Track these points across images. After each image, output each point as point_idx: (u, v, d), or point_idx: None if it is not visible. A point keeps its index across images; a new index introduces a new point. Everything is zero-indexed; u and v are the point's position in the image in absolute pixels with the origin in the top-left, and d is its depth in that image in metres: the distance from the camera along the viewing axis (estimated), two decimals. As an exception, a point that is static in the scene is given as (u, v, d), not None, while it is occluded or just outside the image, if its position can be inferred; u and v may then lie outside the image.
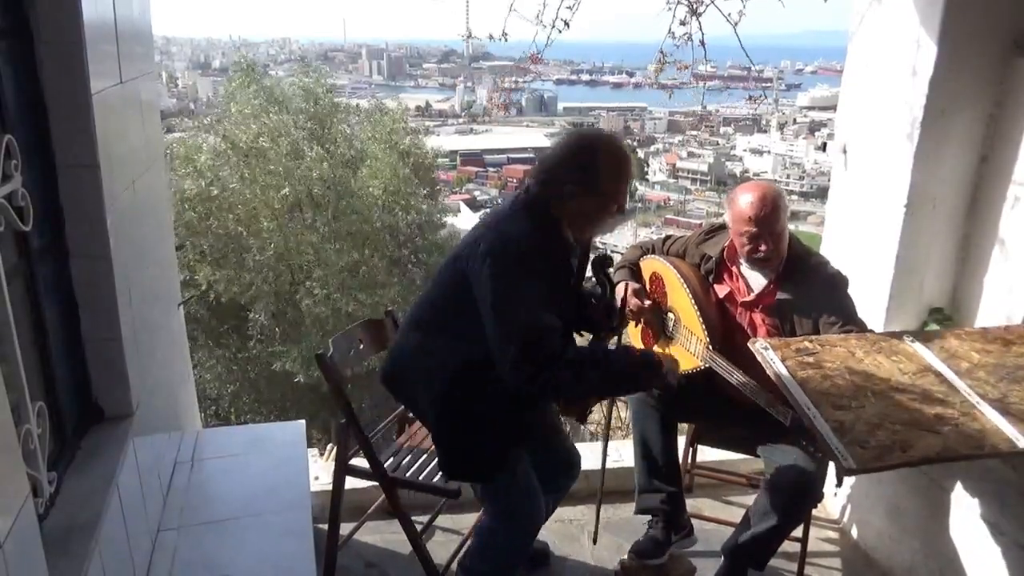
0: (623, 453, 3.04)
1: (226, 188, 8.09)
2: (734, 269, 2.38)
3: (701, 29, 3.03)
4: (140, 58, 2.24)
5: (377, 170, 8.61)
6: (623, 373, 1.87)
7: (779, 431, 2.20)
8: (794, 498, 2.18)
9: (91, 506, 1.59)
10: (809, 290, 2.23)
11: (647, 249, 2.62)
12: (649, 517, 2.51)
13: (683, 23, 3.01)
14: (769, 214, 2.19)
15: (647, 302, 2.46)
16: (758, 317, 2.32)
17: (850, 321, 2.20)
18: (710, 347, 2.28)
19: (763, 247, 2.21)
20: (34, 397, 1.43)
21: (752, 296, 2.33)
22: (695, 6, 2.97)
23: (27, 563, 1.17)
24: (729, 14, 2.98)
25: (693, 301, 2.32)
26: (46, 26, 1.66)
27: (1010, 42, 2.25)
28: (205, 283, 7.96)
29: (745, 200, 2.22)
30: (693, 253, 2.49)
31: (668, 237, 2.66)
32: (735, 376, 2.20)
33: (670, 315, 2.46)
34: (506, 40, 3.04)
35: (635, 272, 2.57)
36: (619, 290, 2.51)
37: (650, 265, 2.54)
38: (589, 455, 3.07)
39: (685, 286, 2.35)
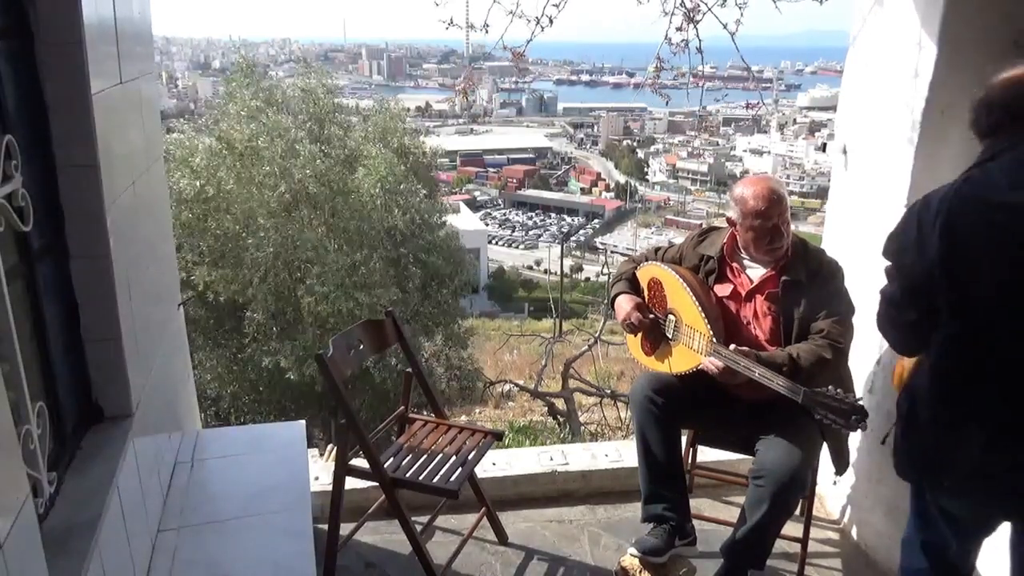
0: (623, 453, 3.04)
1: (222, 189, 8.06)
2: (735, 265, 2.41)
3: (698, 36, 3.02)
4: (140, 58, 2.24)
5: (373, 168, 8.56)
6: None
7: (776, 423, 2.24)
8: (783, 484, 2.17)
9: (91, 506, 1.59)
10: (811, 274, 2.30)
11: (639, 261, 2.66)
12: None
13: (679, 29, 3.00)
14: (779, 203, 2.27)
15: (650, 316, 2.48)
16: (760, 303, 2.35)
17: (835, 313, 2.25)
18: (714, 339, 2.28)
19: (779, 236, 2.28)
20: (34, 397, 1.43)
21: (754, 284, 2.37)
22: (692, 14, 2.96)
23: (27, 563, 1.17)
24: (727, 24, 2.98)
25: (694, 298, 2.34)
26: (46, 26, 1.66)
27: (1010, 42, 2.24)
28: (201, 283, 7.93)
29: (755, 195, 2.27)
30: (690, 256, 2.51)
31: (659, 248, 2.70)
32: (741, 363, 2.19)
33: (671, 317, 2.46)
34: (487, 32, 3.05)
35: (633, 283, 2.59)
36: (619, 303, 2.52)
37: (647, 272, 2.56)
38: (588, 455, 3.09)
39: (685, 285, 2.37)
